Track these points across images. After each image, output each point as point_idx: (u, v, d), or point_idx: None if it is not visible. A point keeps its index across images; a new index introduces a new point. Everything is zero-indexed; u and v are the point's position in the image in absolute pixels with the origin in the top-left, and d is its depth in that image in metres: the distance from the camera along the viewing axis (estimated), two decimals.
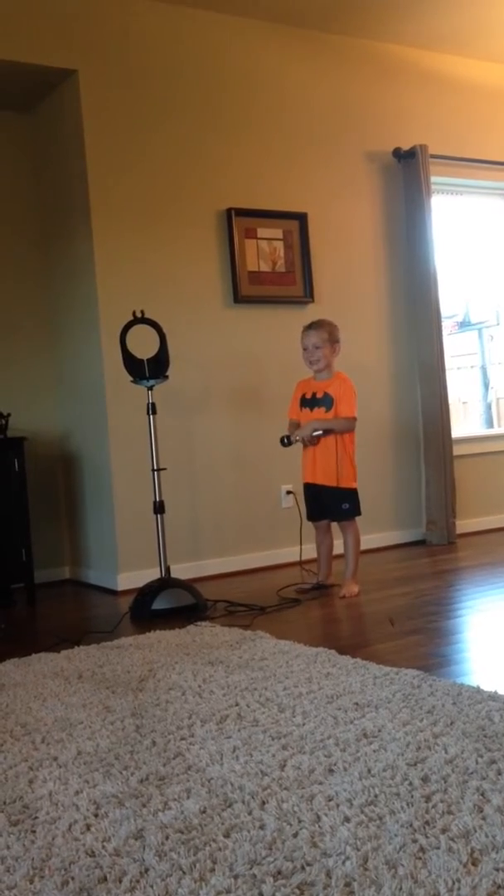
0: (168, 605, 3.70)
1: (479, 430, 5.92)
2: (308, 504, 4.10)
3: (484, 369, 6.17)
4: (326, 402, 3.91)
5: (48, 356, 4.88)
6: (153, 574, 4.02)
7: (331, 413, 3.89)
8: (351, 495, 3.93)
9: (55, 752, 2.09)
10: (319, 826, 1.58)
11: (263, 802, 1.71)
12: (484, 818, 1.55)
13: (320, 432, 3.87)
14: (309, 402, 3.97)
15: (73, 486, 4.83)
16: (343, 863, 1.44)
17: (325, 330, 3.94)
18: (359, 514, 3.98)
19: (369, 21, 4.98)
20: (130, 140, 4.48)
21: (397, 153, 5.22)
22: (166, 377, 3.92)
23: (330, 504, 3.95)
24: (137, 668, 2.80)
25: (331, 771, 1.84)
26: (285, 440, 3.94)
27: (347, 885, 1.38)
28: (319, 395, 3.94)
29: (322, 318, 4.11)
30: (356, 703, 2.26)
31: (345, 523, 3.97)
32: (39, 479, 4.77)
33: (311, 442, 3.89)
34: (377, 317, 5.17)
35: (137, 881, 1.45)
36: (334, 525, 4.10)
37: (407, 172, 5.22)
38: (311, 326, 3.99)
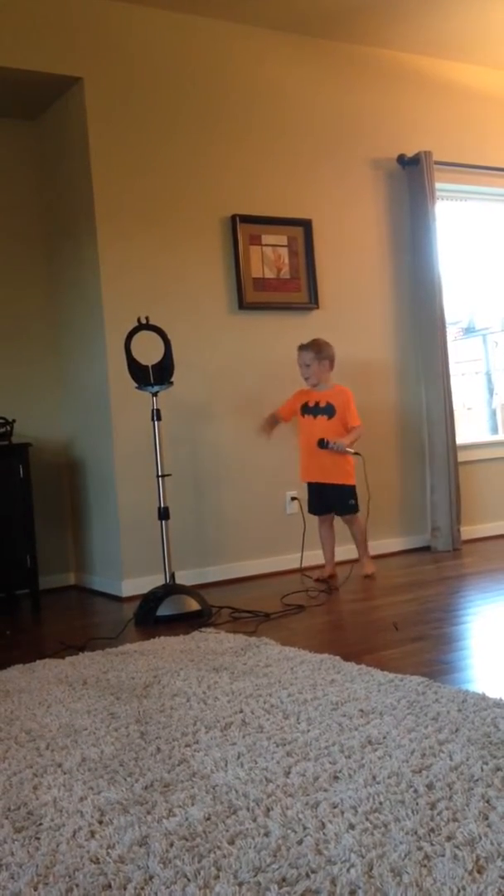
0: (172, 612, 3.69)
1: (484, 436, 5.91)
2: (312, 499, 4.52)
3: (488, 375, 6.17)
4: (328, 410, 4.38)
5: (53, 362, 4.89)
6: (158, 580, 4.02)
7: (333, 420, 4.36)
8: (354, 491, 4.42)
9: (60, 758, 2.09)
10: (324, 833, 1.58)
11: (268, 809, 1.70)
12: (489, 825, 1.55)
13: (352, 451, 4.35)
14: (311, 410, 4.42)
15: (77, 492, 4.84)
16: (348, 870, 1.44)
17: (312, 350, 4.40)
18: (359, 509, 4.45)
19: (373, 28, 5.00)
20: (135, 147, 4.49)
21: (402, 160, 5.23)
22: (171, 383, 3.92)
23: (335, 499, 4.42)
24: (142, 674, 2.80)
25: (335, 778, 1.83)
26: (323, 442, 4.34)
27: (352, 892, 1.38)
28: (322, 405, 4.39)
29: (316, 337, 4.49)
30: (361, 710, 2.25)
31: (349, 517, 4.46)
32: (44, 485, 4.78)
33: (342, 452, 4.35)
34: (382, 323, 5.17)
35: (142, 888, 1.44)
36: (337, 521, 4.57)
37: (411, 179, 5.23)
38: (302, 347, 4.44)
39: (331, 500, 4.44)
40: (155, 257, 4.52)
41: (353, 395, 4.44)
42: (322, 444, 4.32)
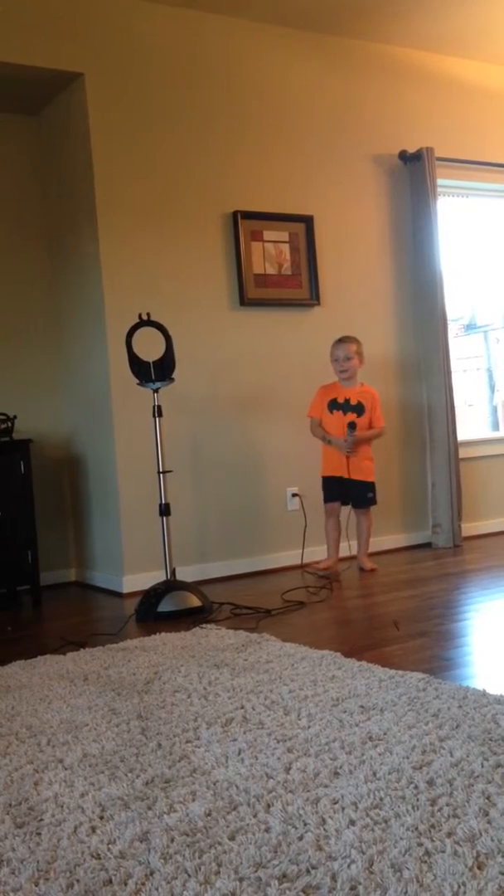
0: (173, 608, 3.70)
1: (485, 432, 5.91)
2: (331, 488, 4.55)
3: (490, 372, 6.17)
4: (359, 409, 4.52)
5: (54, 358, 4.89)
6: (159, 576, 4.03)
7: (362, 419, 4.50)
8: (373, 486, 4.58)
9: (61, 754, 2.09)
10: (325, 829, 1.58)
11: (269, 805, 1.70)
12: (489, 822, 1.55)
13: (347, 447, 4.45)
14: (342, 407, 4.51)
15: (78, 488, 4.84)
16: (348, 866, 1.44)
17: (354, 343, 4.55)
18: (376, 502, 4.61)
19: (374, 23, 4.98)
20: (137, 142, 4.49)
21: (403, 156, 5.22)
22: (172, 380, 3.92)
23: (356, 494, 4.54)
24: (143, 670, 2.80)
25: (336, 774, 1.83)
26: (353, 425, 4.44)
27: (353, 888, 1.38)
28: (353, 402, 4.51)
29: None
30: (361, 706, 2.25)
31: (364, 510, 4.59)
32: (45, 481, 4.78)
33: (351, 452, 4.47)
34: (383, 319, 5.17)
35: (143, 884, 1.45)
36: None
37: (413, 175, 5.22)
38: (343, 340, 4.55)
39: (351, 493, 4.54)
40: (156, 253, 4.52)
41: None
42: (352, 426, 4.42)
